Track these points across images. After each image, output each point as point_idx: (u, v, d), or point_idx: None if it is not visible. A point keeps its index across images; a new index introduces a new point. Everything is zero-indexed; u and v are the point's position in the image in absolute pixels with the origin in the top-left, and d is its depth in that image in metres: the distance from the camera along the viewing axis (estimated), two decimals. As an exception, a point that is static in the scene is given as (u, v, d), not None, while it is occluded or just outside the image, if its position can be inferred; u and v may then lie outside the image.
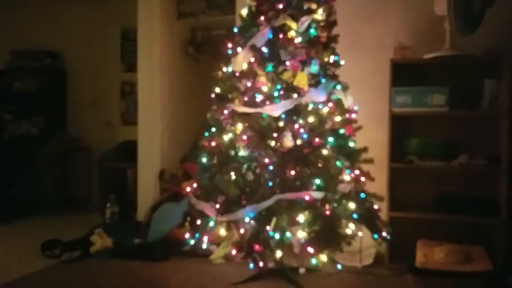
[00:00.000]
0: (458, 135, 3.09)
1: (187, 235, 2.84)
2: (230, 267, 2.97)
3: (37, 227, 4.08)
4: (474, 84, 2.95)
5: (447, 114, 2.97)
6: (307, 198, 2.46)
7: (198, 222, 2.72)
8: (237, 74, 2.72)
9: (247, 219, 2.55)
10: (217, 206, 2.62)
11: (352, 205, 2.55)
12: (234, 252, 2.71)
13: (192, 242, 2.82)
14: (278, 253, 2.53)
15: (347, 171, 2.65)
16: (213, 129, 2.76)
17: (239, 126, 2.61)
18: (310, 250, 2.47)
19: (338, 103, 2.68)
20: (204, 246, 2.79)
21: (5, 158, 4.58)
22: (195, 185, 2.82)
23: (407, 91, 2.97)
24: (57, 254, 3.15)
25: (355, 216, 2.56)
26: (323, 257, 2.52)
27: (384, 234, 2.69)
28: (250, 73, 2.68)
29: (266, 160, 2.54)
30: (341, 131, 2.67)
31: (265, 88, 2.59)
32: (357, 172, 2.70)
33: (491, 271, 2.43)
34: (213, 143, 2.69)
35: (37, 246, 3.28)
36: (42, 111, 5.10)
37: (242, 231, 2.60)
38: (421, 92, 2.95)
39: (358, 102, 2.90)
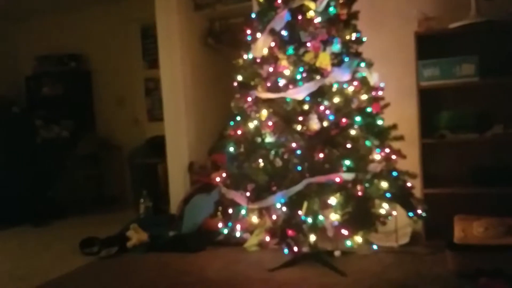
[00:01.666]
0: (491, 105, 2.97)
1: (220, 225, 2.86)
2: (265, 254, 2.98)
3: (74, 227, 4.21)
4: (503, 51, 2.83)
5: (478, 84, 2.85)
6: (337, 180, 2.42)
7: (230, 211, 2.73)
8: (258, 60, 2.69)
9: (278, 205, 2.54)
10: (248, 194, 2.61)
11: (384, 184, 2.50)
12: (267, 238, 2.71)
13: (225, 231, 2.83)
14: (312, 237, 2.52)
15: (377, 150, 2.59)
16: (238, 118, 2.75)
17: (264, 113, 2.59)
18: (344, 232, 2.44)
19: (363, 81, 2.62)
20: (238, 234, 2.80)
21: (39, 162, 4.73)
22: (224, 174, 2.83)
23: (434, 64, 2.88)
24: (96, 251, 3.24)
25: (388, 195, 2.51)
26: (358, 239, 2.49)
27: (419, 211, 2.63)
28: (271, 58, 2.65)
29: (293, 145, 2.51)
30: (368, 109, 2.61)
31: (287, 72, 2.55)
32: (387, 150, 2.64)
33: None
34: (239, 132, 2.68)
35: (76, 245, 3.38)
36: (71, 113, 5.22)
37: (274, 217, 2.59)
38: (449, 63, 2.85)
39: (384, 78, 2.82)
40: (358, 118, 2.52)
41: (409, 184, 2.68)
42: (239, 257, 2.98)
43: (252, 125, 2.65)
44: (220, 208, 2.84)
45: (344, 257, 2.77)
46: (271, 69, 2.60)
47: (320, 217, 2.44)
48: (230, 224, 2.76)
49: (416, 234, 2.97)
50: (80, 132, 5.19)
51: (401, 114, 2.91)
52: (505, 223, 2.53)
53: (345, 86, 2.57)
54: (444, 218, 2.79)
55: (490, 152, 3.00)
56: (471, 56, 2.81)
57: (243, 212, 2.65)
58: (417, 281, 2.42)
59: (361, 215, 2.43)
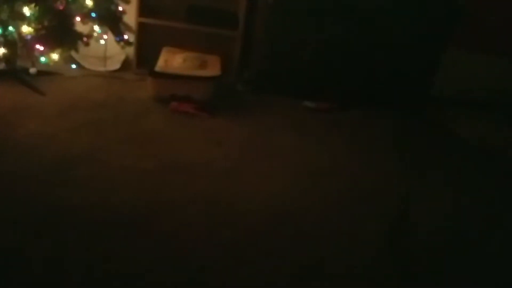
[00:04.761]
0: None
1: None
2: None
3: None
4: None
5: None
6: (33, -13, 2.12)
7: None
8: None
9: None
10: None
11: (89, 3, 2.37)
12: None
13: None
14: (1, 51, 2.24)
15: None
16: None
17: None
18: (40, 48, 2.26)
19: None
20: None
21: None
22: None
23: None
24: None
25: (93, 14, 2.41)
26: (55, 56, 2.36)
27: (126, 37, 2.66)
28: None
29: None
30: None
31: None
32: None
33: (219, 76, 2.75)
34: None
35: None
36: None
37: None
38: None
39: None
40: None
41: (120, 8, 2.62)
42: None
43: None
44: None
45: (48, 78, 2.64)
46: None
47: (11, 28, 2.17)
48: None
49: (129, 62, 3.06)
50: None
51: None
52: (201, 58, 2.84)
53: None
54: (155, 48, 2.94)
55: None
56: None
57: None
58: (118, 102, 2.56)
59: (60, 32, 2.27)
